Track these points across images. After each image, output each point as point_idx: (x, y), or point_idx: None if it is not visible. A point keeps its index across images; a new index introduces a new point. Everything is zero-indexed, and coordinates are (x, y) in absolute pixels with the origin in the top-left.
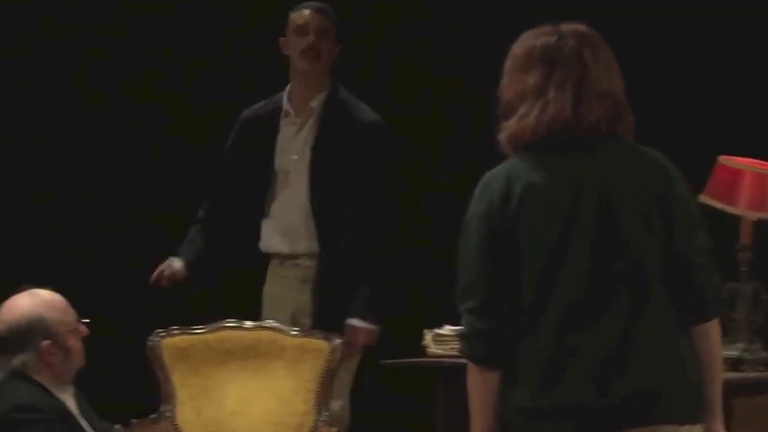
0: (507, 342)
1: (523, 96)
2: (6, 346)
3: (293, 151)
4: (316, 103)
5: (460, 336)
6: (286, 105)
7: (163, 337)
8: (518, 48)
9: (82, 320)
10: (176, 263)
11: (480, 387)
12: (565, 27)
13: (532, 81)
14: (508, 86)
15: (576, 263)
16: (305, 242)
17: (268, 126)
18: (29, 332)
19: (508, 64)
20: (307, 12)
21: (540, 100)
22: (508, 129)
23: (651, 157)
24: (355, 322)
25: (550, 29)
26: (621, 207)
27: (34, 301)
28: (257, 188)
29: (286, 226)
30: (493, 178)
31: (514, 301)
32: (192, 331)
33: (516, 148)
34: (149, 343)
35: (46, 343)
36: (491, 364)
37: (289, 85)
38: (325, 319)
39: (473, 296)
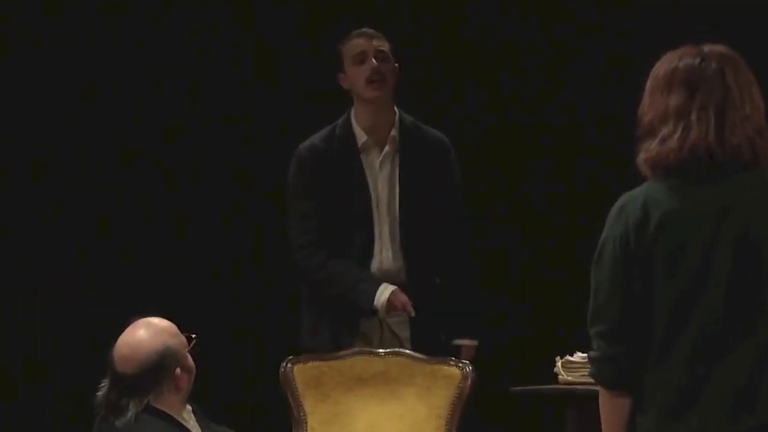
0: (639, 368)
1: (665, 118)
2: (141, 385)
3: (381, 184)
4: (395, 132)
5: (590, 360)
6: (362, 137)
7: (295, 363)
8: (659, 69)
9: (188, 334)
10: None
11: (611, 412)
12: (708, 48)
13: (674, 103)
14: (648, 108)
15: (713, 294)
16: (393, 273)
17: (346, 160)
18: (163, 365)
19: (649, 85)
20: (361, 39)
21: (682, 123)
22: (649, 151)
23: None
24: (459, 340)
25: (693, 50)
26: (761, 238)
27: (155, 333)
28: (342, 226)
29: (376, 260)
30: (630, 201)
31: (646, 327)
32: (323, 358)
33: (656, 171)
34: (282, 370)
35: (178, 370)
36: (621, 388)
37: (353, 117)
38: (420, 344)
39: (604, 320)
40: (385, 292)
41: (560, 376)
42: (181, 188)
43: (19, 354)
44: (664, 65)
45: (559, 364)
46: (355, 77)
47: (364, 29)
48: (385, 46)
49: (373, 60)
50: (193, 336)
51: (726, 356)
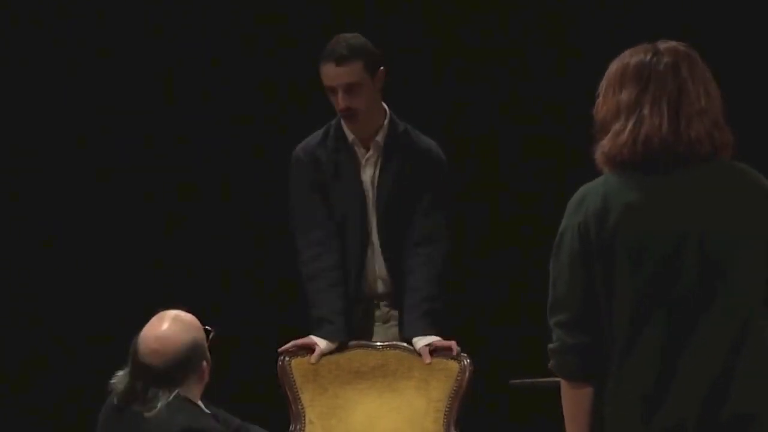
0: (599, 358)
1: (617, 113)
2: (171, 377)
3: (365, 185)
4: (380, 137)
5: (550, 351)
6: (352, 139)
7: (292, 356)
8: (613, 66)
9: (205, 328)
10: (322, 345)
11: (572, 402)
12: (662, 44)
13: (625, 97)
14: (601, 105)
15: (680, 285)
16: (381, 283)
17: (340, 159)
18: (192, 359)
19: (603, 83)
20: (330, 69)
21: (633, 117)
22: (603, 147)
23: (752, 178)
24: (416, 339)
25: (647, 47)
26: (726, 228)
27: (184, 326)
28: (339, 219)
29: (369, 251)
30: (591, 192)
31: (608, 318)
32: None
33: (613, 167)
34: (279, 363)
35: (204, 363)
36: (582, 379)
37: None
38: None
39: (563, 310)
40: (321, 343)
41: None
42: (181, 184)
43: (18, 352)
44: (617, 63)
45: None
46: (332, 101)
47: (334, 51)
48: (355, 74)
49: (342, 96)
50: (209, 329)
51: (697, 347)
